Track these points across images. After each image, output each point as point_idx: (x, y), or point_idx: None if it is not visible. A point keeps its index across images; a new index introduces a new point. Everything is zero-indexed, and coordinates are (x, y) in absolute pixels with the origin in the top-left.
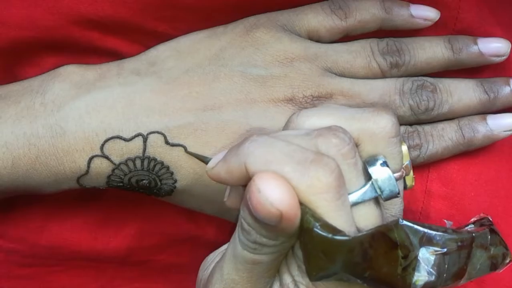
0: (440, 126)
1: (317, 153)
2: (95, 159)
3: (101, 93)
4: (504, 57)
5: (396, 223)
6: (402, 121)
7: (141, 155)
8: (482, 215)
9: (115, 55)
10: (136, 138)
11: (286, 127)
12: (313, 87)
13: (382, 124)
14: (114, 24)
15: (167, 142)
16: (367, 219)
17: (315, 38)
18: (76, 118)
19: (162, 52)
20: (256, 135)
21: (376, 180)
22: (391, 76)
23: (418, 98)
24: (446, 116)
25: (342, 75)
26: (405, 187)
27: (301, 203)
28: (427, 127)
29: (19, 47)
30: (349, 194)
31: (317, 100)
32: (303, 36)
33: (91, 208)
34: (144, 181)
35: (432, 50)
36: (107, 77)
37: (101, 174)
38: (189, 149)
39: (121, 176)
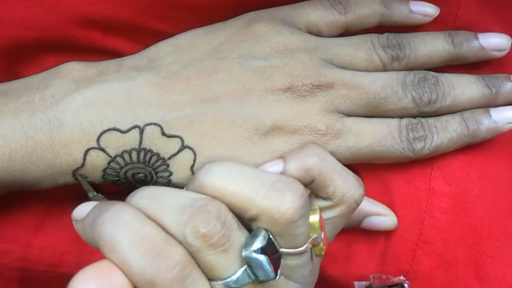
0: (444, 118)
1: (166, 241)
2: (91, 151)
3: (100, 87)
4: (505, 52)
5: None
6: (405, 114)
7: (137, 147)
8: (401, 278)
9: (116, 55)
10: (133, 130)
11: (190, 182)
12: (313, 76)
13: (283, 210)
14: (115, 24)
15: (163, 134)
16: None
17: (314, 32)
18: (73, 111)
19: (161, 49)
20: (119, 207)
21: (250, 266)
22: (393, 70)
23: (421, 90)
24: (449, 109)
25: (342, 67)
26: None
27: None
28: (430, 119)
29: (20, 47)
30: (221, 280)
31: (316, 89)
32: (303, 31)
33: None
34: (140, 175)
35: (433, 44)
36: (106, 73)
37: (96, 167)
38: (186, 140)
39: (116, 169)
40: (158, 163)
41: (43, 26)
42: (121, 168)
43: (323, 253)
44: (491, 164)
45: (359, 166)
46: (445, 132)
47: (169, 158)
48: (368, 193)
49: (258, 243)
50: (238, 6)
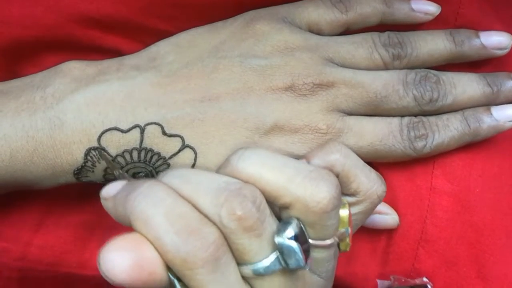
0: (445, 116)
1: (201, 220)
2: (92, 151)
3: (100, 86)
4: (506, 50)
5: None
6: (406, 112)
7: (138, 146)
8: (424, 280)
9: (116, 54)
10: (134, 130)
11: (222, 166)
12: (314, 75)
13: (318, 199)
14: (115, 23)
15: (164, 133)
16: None
17: (315, 31)
18: (74, 110)
19: (162, 47)
20: (153, 183)
21: (281, 253)
22: (394, 68)
23: (422, 88)
24: (450, 108)
25: (344, 66)
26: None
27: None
28: (432, 118)
29: (20, 46)
30: (251, 264)
31: (318, 88)
32: (304, 29)
33: (88, 205)
34: (140, 174)
35: (434, 42)
36: (107, 72)
37: (97, 167)
38: (186, 140)
39: (121, 169)
40: (159, 163)
41: (43, 25)
42: (122, 167)
43: (348, 249)
44: (492, 162)
45: None
46: (446, 130)
47: (170, 157)
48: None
49: (291, 230)
50: (238, 5)
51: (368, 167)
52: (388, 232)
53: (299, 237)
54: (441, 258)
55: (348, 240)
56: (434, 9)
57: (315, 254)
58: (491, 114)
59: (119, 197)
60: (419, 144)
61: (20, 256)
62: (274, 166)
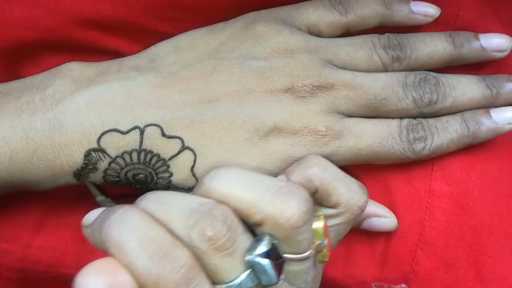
0: (444, 118)
1: (173, 243)
2: (91, 152)
3: (100, 87)
4: (506, 53)
5: None
6: (406, 114)
7: (137, 148)
8: (402, 286)
9: (116, 55)
10: (133, 131)
11: (197, 187)
12: (313, 77)
13: (287, 215)
14: (115, 24)
15: (164, 135)
16: None
17: (315, 33)
18: (74, 111)
19: (162, 49)
20: (126, 209)
21: (254, 270)
22: (393, 70)
23: (422, 91)
24: (449, 110)
25: (343, 67)
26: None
27: None
28: (431, 120)
29: (20, 47)
30: (225, 283)
31: (317, 90)
32: (304, 31)
33: (88, 206)
34: (140, 175)
35: (434, 44)
36: (106, 73)
37: (97, 168)
38: (186, 141)
39: (117, 170)
40: (158, 164)
41: (43, 26)
42: (122, 169)
43: (326, 260)
44: (491, 164)
45: (359, 167)
46: (446, 132)
47: (170, 159)
48: (369, 193)
49: (262, 247)
50: (238, 6)
51: (349, 177)
52: (387, 234)
53: (271, 253)
54: (439, 260)
55: (325, 250)
56: (433, 11)
57: (291, 267)
58: (490, 116)
59: (95, 224)
60: (418, 146)
61: (20, 257)
62: (245, 184)
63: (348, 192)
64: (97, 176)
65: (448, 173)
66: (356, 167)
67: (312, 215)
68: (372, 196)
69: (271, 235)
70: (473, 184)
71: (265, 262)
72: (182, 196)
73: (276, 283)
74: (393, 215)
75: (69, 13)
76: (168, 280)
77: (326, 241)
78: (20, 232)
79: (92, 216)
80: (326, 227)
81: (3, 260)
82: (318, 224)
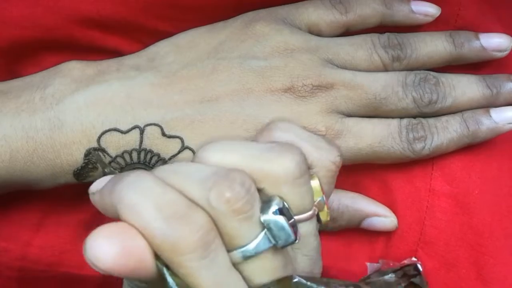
0: (444, 118)
1: (190, 206)
2: (92, 151)
3: (100, 87)
4: (506, 52)
5: (289, 280)
6: (405, 114)
7: (137, 147)
8: (413, 259)
9: (116, 54)
10: (133, 130)
11: (194, 160)
12: (313, 76)
13: (285, 166)
14: (115, 23)
15: (164, 134)
16: (263, 272)
17: (315, 32)
18: (74, 111)
19: (162, 48)
20: (140, 173)
21: (270, 229)
22: (393, 70)
23: (421, 90)
24: (449, 110)
25: (343, 67)
26: (319, 220)
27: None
28: (431, 120)
29: (20, 47)
30: (240, 248)
31: (317, 89)
32: (304, 30)
33: (88, 205)
34: None
35: (434, 44)
36: (106, 73)
37: (97, 168)
38: (186, 141)
39: (117, 169)
40: (158, 164)
41: (43, 25)
42: (122, 168)
43: (328, 219)
44: (492, 164)
45: (359, 167)
46: (445, 132)
47: (170, 158)
48: (368, 193)
49: (275, 206)
50: (238, 6)
51: (316, 136)
52: (387, 234)
53: (284, 212)
54: (440, 260)
55: (326, 208)
56: (434, 11)
57: (300, 229)
58: (490, 116)
59: (106, 189)
60: (418, 146)
61: (19, 256)
62: (237, 149)
63: (315, 149)
64: (97, 176)
65: (449, 173)
66: (356, 167)
67: (307, 169)
68: (372, 195)
69: (279, 197)
70: (474, 183)
71: (281, 218)
72: (195, 165)
73: (293, 241)
74: (393, 214)
75: (68, 12)
76: (185, 243)
77: (324, 198)
78: (20, 231)
79: (100, 182)
80: (321, 184)
81: (2, 259)
82: (314, 183)
